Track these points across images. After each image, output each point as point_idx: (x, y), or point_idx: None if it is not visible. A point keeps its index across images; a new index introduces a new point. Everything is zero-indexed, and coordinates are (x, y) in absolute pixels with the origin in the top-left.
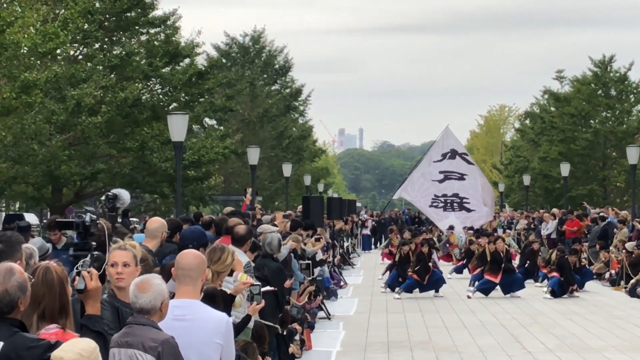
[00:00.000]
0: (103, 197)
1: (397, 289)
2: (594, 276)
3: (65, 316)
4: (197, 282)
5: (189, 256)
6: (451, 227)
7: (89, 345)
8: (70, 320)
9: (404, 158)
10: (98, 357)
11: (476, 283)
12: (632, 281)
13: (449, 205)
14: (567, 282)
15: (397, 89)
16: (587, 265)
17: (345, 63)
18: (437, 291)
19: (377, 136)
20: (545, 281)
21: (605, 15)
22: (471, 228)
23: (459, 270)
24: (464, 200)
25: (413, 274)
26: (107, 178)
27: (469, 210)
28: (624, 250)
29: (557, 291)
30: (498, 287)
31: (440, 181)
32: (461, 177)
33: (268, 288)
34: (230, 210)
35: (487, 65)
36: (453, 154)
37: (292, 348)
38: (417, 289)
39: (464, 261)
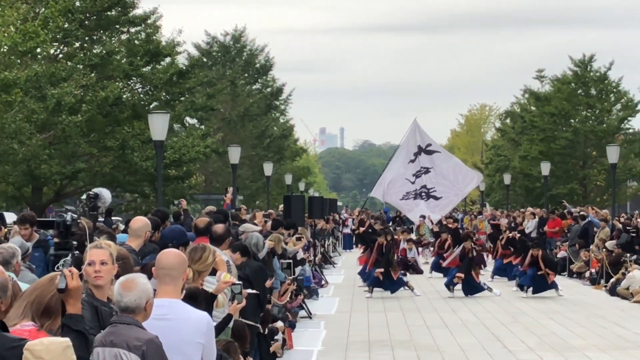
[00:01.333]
0: (84, 196)
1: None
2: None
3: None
4: (178, 281)
5: (170, 255)
6: (422, 217)
7: (61, 341)
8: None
9: (385, 157)
10: (70, 356)
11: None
12: (612, 280)
13: (418, 195)
14: (546, 270)
15: (378, 88)
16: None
17: (326, 62)
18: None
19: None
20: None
21: (585, 15)
22: (439, 222)
23: (436, 267)
24: (431, 190)
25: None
26: (88, 177)
27: (436, 198)
28: (604, 249)
29: (534, 287)
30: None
31: (413, 182)
32: (427, 171)
33: (250, 291)
34: (210, 210)
35: (467, 65)
36: (419, 151)
37: (275, 346)
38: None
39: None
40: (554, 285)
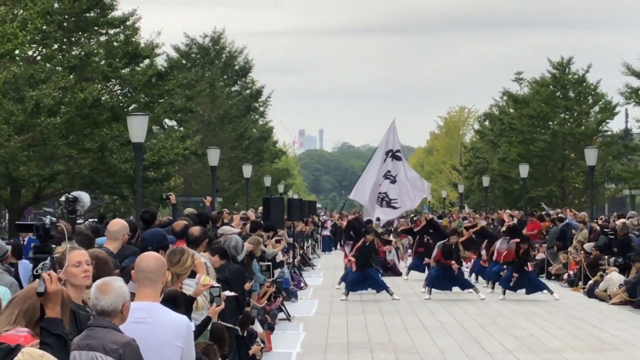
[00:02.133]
0: (63, 198)
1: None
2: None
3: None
4: (157, 284)
5: (149, 259)
6: (378, 219)
7: (37, 352)
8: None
9: (364, 159)
10: None
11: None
12: (590, 282)
13: (379, 200)
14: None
15: (358, 90)
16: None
17: (305, 64)
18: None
19: (337, 137)
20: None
21: (563, 18)
22: (387, 223)
23: (415, 267)
24: (392, 201)
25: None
26: (67, 179)
27: (395, 208)
28: (582, 251)
29: (510, 286)
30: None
31: (380, 184)
32: (393, 181)
33: (229, 293)
34: (190, 212)
35: (447, 67)
36: (389, 152)
37: (254, 349)
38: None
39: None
40: (543, 286)
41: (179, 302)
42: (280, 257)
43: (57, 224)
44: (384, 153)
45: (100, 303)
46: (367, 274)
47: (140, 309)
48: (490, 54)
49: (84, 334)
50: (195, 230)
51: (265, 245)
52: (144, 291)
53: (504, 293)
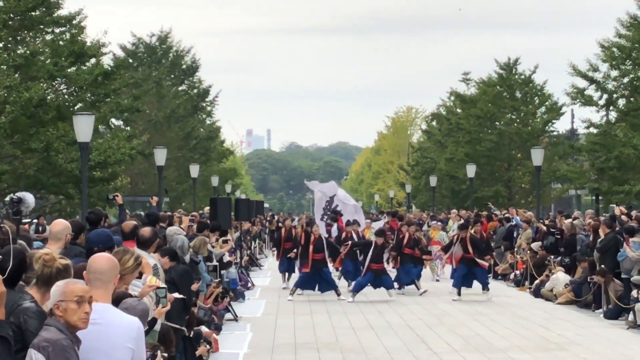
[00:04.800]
0: (7, 199)
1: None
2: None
3: None
4: (109, 285)
5: (102, 260)
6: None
7: None
8: None
9: (312, 159)
10: None
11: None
12: (537, 282)
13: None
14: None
15: (306, 90)
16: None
17: (253, 64)
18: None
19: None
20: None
21: (510, 19)
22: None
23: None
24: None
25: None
26: (12, 179)
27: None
28: (528, 251)
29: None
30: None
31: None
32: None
33: (177, 295)
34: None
35: (395, 67)
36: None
37: (201, 349)
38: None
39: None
40: (484, 280)
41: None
42: (227, 258)
43: (1, 224)
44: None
45: (48, 303)
46: (315, 274)
47: (92, 310)
48: (439, 54)
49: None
50: (146, 231)
51: (213, 246)
52: (95, 292)
53: (458, 294)
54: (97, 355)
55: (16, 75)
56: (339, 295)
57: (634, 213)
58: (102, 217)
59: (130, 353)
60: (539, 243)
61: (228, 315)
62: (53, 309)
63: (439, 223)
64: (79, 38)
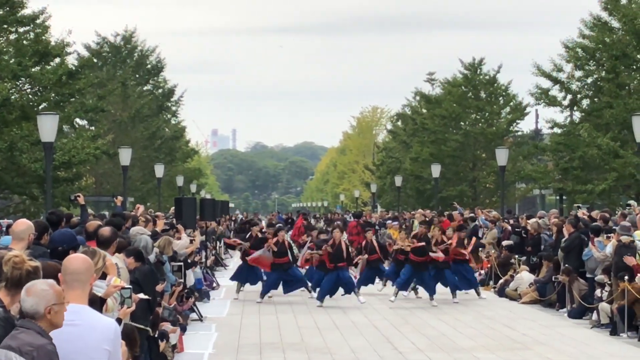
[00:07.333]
0: None
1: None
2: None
3: None
4: (85, 286)
5: (78, 260)
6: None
7: None
8: None
9: (278, 159)
10: None
11: None
12: (501, 281)
13: None
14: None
15: (271, 90)
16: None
17: (218, 64)
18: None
19: (250, 137)
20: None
21: (475, 19)
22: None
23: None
24: None
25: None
26: None
27: None
28: (493, 251)
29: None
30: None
31: None
32: None
33: (142, 295)
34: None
35: (360, 67)
36: None
37: (162, 345)
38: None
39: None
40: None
41: (94, 305)
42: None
43: None
44: None
45: (24, 304)
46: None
47: (70, 311)
48: (403, 54)
49: (11, 334)
50: (106, 230)
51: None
52: (72, 293)
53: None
54: (75, 356)
55: None
56: (310, 292)
57: (595, 212)
58: (63, 217)
59: (106, 354)
60: (510, 242)
61: (193, 316)
62: (45, 312)
63: (396, 223)
64: (43, 37)
